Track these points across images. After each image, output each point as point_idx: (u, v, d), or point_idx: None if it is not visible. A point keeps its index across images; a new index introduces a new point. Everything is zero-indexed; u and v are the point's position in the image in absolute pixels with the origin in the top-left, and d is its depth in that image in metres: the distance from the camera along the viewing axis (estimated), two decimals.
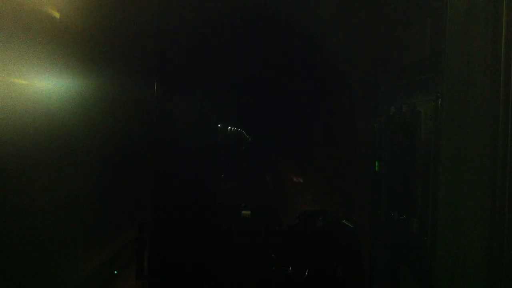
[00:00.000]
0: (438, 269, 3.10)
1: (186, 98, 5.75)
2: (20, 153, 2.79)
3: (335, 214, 5.94)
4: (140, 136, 5.54)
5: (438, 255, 3.09)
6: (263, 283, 5.74)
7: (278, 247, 5.97)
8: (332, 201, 7.94)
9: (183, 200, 5.55)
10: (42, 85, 3.06)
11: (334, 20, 6.44)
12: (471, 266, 2.87)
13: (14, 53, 2.70)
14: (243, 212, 7.28)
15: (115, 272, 4.71)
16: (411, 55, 4.08)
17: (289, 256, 5.68)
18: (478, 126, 2.87)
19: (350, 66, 6.42)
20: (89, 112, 3.89)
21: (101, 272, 4.34)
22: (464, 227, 2.93)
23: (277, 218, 7.61)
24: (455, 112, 3.05)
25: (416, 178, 3.84)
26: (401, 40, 4.33)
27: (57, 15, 3.21)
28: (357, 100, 6.22)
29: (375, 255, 4.85)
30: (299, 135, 13.87)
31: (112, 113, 4.56)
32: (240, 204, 8.01)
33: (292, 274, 5.49)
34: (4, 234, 2.63)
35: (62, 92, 3.34)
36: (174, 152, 5.52)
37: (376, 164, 4.82)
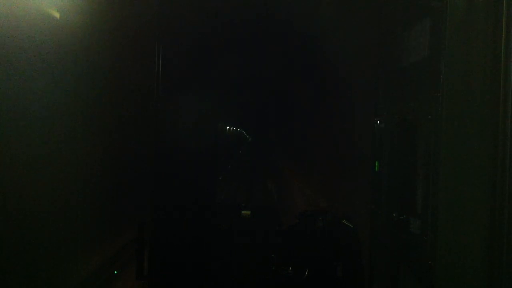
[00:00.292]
0: (438, 269, 3.11)
1: (186, 98, 5.75)
2: (20, 153, 2.79)
3: (335, 214, 5.93)
4: (140, 136, 5.54)
5: (438, 255, 3.10)
6: (263, 283, 5.74)
7: (278, 247, 5.97)
8: (332, 201, 7.93)
9: (183, 200, 5.56)
10: (42, 85, 3.06)
11: (334, 20, 6.43)
12: (471, 266, 2.88)
13: (14, 52, 2.70)
14: (243, 212, 7.29)
15: (115, 272, 4.71)
16: (411, 55, 4.07)
17: (289, 256, 5.68)
18: (478, 126, 2.87)
19: (350, 66, 6.41)
20: (89, 112, 3.89)
21: (101, 272, 4.33)
22: (464, 227, 2.94)
23: (277, 218, 7.62)
24: (455, 112, 3.05)
25: (416, 178, 3.83)
26: (401, 40, 4.33)
27: (57, 14, 3.21)
28: (357, 100, 6.21)
29: (375, 255, 4.85)
30: (299, 135, 13.87)
31: (112, 113, 4.56)
32: (240, 204, 8.02)
33: (292, 274, 5.49)
34: (4, 234, 2.63)
35: (62, 92, 3.34)
36: (174, 152, 5.53)
37: (376, 164, 4.81)
